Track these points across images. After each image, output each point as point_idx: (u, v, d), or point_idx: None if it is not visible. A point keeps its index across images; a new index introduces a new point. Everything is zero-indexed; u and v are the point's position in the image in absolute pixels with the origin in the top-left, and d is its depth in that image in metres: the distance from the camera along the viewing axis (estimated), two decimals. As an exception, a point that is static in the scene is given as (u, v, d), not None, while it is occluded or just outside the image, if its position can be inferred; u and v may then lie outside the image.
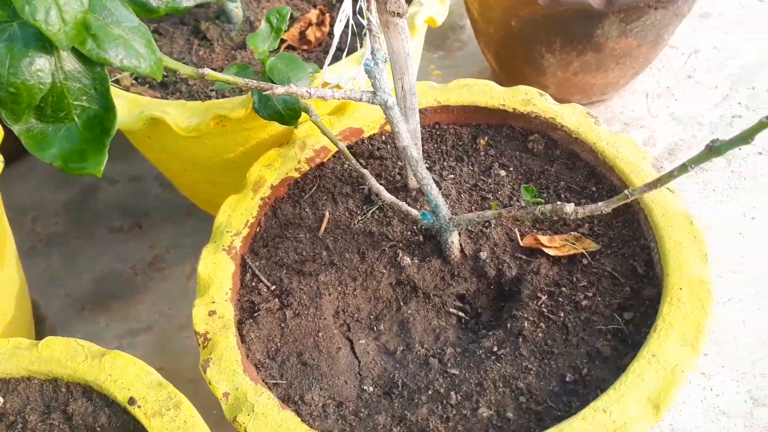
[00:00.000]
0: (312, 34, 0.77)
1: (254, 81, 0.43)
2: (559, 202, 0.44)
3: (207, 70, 0.42)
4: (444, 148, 0.66)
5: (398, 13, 0.44)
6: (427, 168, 0.63)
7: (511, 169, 0.62)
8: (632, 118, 1.05)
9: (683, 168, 0.41)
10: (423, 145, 0.66)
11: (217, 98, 0.70)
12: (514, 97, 0.64)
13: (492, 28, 0.94)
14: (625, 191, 0.43)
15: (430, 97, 0.66)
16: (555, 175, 0.60)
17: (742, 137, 0.38)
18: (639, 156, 0.56)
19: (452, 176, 0.63)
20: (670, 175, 0.42)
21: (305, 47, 0.77)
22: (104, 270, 0.96)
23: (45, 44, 0.36)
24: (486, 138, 0.65)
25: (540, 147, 0.62)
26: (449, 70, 1.16)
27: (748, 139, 0.38)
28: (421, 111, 0.66)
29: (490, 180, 0.62)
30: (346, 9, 0.42)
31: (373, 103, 0.46)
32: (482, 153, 0.64)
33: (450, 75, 1.15)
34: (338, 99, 0.46)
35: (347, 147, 0.67)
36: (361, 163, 0.66)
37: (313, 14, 0.80)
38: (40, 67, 0.36)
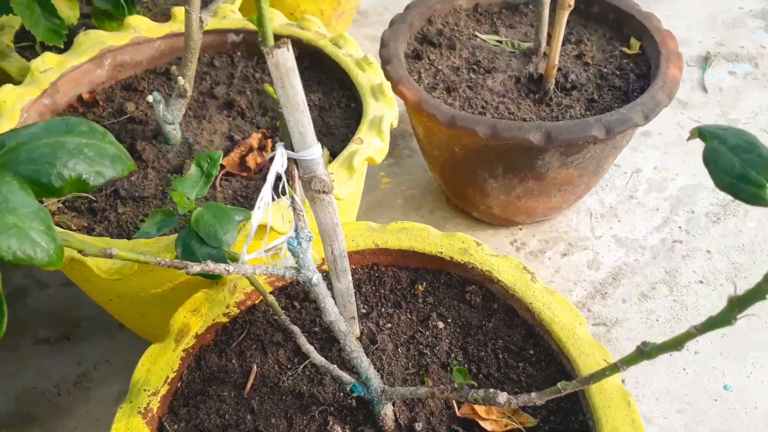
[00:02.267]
0: (252, 160, 0.75)
1: (166, 260, 0.40)
2: (492, 390, 0.42)
3: (115, 251, 0.39)
4: (382, 291, 0.64)
5: (324, 191, 0.42)
6: (364, 314, 0.61)
7: (449, 320, 0.60)
8: (576, 239, 1.05)
9: (614, 368, 0.39)
10: (361, 287, 0.63)
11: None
12: (451, 245, 0.63)
13: (436, 151, 0.94)
14: (558, 385, 0.41)
15: (369, 239, 0.64)
16: (493, 331, 0.58)
17: (673, 343, 0.37)
18: (575, 321, 0.54)
19: (389, 326, 0.60)
20: (602, 374, 0.40)
21: (245, 174, 0.75)
22: (25, 387, 0.89)
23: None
24: (424, 284, 0.63)
25: (478, 299, 0.61)
26: (399, 178, 1.16)
27: (677, 346, 0.37)
28: (359, 252, 0.65)
29: (428, 333, 0.59)
30: (272, 173, 0.40)
31: (297, 279, 0.43)
32: (420, 300, 0.62)
33: (399, 182, 1.15)
34: (260, 275, 0.43)
35: (282, 287, 0.64)
36: (295, 306, 0.63)
37: (254, 138, 0.78)
38: None
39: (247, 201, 0.71)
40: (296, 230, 0.42)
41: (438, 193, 1.14)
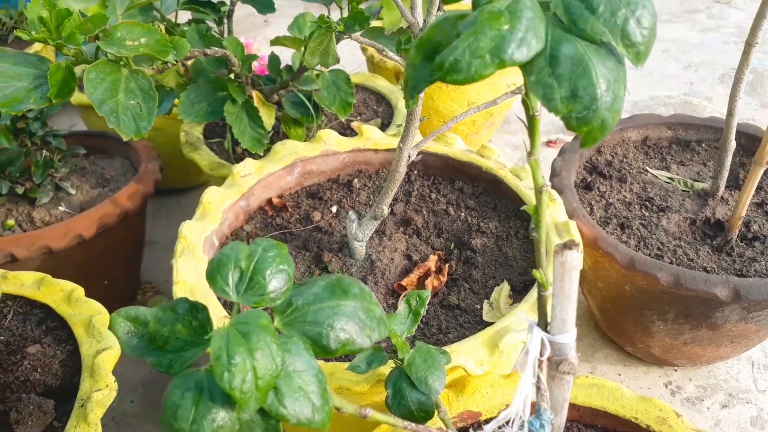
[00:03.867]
0: (430, 283, 0.77)
1: (427, 428, 0.41)
2: None
3: (370, 412, 0.41)
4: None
5: (570, 373, 0.42)
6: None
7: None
8: (737, 390, 0.99)
9: None
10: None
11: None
12: (647, 411, 0.60)
13: (601, 283, 0.92)
14: None
15: (554, 389, 0.63)
16: None
17: None
18: None
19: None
20: None
21: (423, 298, 0.76)
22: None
23: (230, 400, 0.35)
24: (613, 448, 0.61)
25: (675, 476, 0.58)
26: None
27: None
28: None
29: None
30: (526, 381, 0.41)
31: (528, 455, 0.43)
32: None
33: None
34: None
35: (460, 430, 0.64)
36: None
37: (432, 261, 0.80)
38: (221, 423, 0.35)
39: (427, 327, 0.72)
40: (539, 410, 0.43)
41: (586, 317, 1.11)
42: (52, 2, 0.61)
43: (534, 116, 0.40)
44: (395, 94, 1.22)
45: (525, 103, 0.40)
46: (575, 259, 0.37)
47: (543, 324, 0.42)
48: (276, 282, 0.38)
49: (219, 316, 0.66)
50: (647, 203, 0.95)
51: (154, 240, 1.35)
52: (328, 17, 0.66)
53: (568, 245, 0.37)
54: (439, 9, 0.59)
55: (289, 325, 0.39)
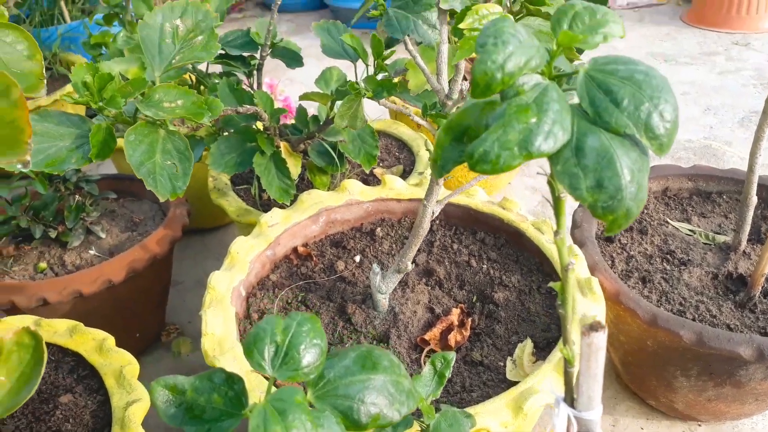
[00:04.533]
0: (453, 338, 0.78)
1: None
2: None
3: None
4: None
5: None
6: None
7: None
8: (765, 446, 0.97)
9: None
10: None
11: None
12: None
13: (623, 337, 0.92)
14: None
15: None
16: None
17: None
18: None
19: None
20: None
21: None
22: None
23: None
24: None
25: None
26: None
27: None
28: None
29: None
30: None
31: None
32: None
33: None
34: None
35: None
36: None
37: (455, 315, 0.81)
38: None
39: (451, 384, 0.73)
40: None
41: (608, 369, 1.10)
42: (96, 66, 0.65)
43: (559, 197, 0.41)
44: (417, 141, 1.24)
45: (551, 185, 0.41)
46: (601, 341, 0.38)
47: (569, 399, 0.43)
48: (309, 356, 0.40)
49: (246, 370, 0.67)
50: (668, 256, 0.95)
51: (179, 280, 1.37)
52: (357, 84, 0.68)
53: (594, 327, 0.38)
54: (464, 79, 0.61)
55: (321, 399, 0.41)
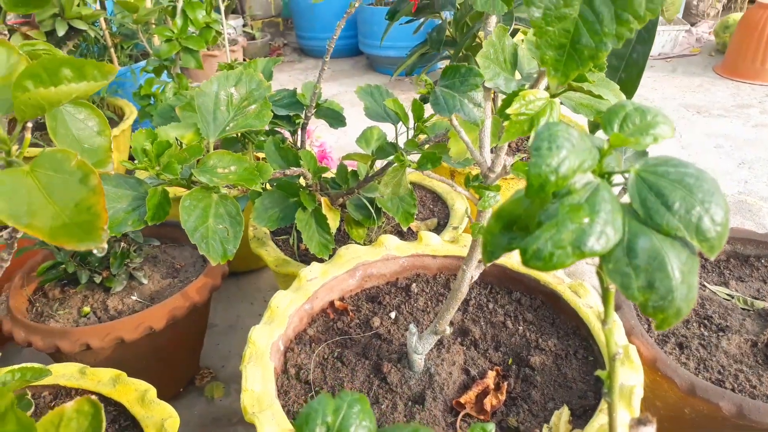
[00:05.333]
0: (489, 402, 0.78)
1: None
2: None
3: None
4: None
5: None
6: None
7: None
8: None
9: None
10: None
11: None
12: None
13: (659, 402, 0.91)
14: None
15: None
16: None
17: None
18: None
19: None
20: None
21: (482, 416, 0.77)
22: None
23: None
24: None
25: None
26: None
27: None
28: None
29: None
30: None
31: None
32: None
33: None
34: None
35: None
36: None
37: (490, 378, 0.81)
38: None
39: (486, 449, 0.73)
40: None
41: None
42: (154, 134, 0.68)
43: (608, 288, 0.43)
44: (451, 194, 1.26)
45: (599, 275, 0.42)
46: (649, 435, 0.38)
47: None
48: (360, 437, 0.41)
49: (286, 429, 0.69)
50: (706, 321, 0.94)
51: (213, 323, 1.39)
52: (402, 154, 0.71)
53: (643, 421, 0.38)
54: (507, 154, 0.63)
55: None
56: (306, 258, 1.12)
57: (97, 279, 1.08)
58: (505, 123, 0.58)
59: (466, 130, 0.70)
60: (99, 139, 0.53)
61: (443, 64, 2.68)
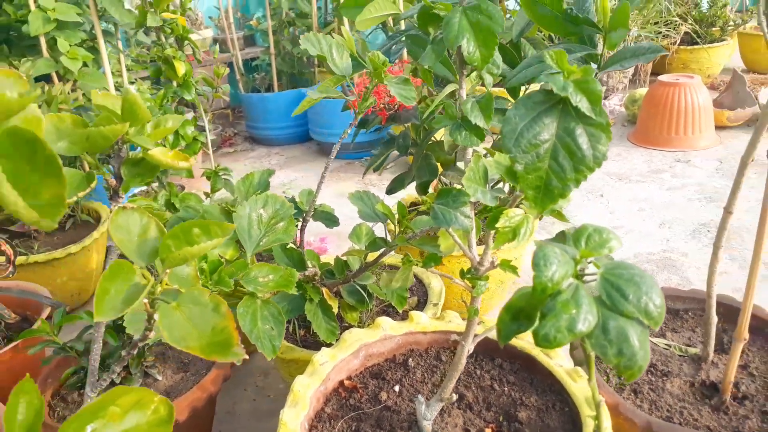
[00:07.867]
0: (489, 454, 0.94)
1: None
2: None
3: None
4: None
5: None
6: None
7: None
8: None
9: None
10: None
11: None
12: None
13: (624, 442, 1.09)
14: None
15: None
16: None
17: None
18: None
19: None
20: None
21: (485, 467, 0.92)
22: None
23: None
24: None
25: None
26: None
27: None
28: None
29: None
30: None
31: None
32: None
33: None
34: None
35: None
36: None
37: (487, 433, 0.97)
38: None
39: (494, 495, 0.87)
40: None
41: (610, 471, 1.25)
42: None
43: (590, 354, 0.61)
44: (426, 274, 1.44)
45: (583, 346, 0.60)
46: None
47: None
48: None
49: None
50: (652, 369, 1.14)
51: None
52: (410, 256, 0.88)
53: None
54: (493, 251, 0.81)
55: None
56: (306, 343, 1.26)
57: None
58: (493, 233, 0.77)
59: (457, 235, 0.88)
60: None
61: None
